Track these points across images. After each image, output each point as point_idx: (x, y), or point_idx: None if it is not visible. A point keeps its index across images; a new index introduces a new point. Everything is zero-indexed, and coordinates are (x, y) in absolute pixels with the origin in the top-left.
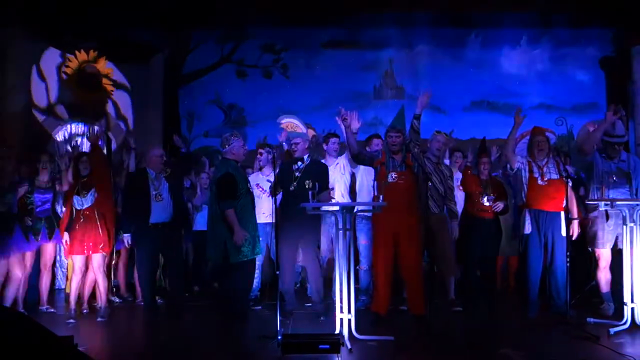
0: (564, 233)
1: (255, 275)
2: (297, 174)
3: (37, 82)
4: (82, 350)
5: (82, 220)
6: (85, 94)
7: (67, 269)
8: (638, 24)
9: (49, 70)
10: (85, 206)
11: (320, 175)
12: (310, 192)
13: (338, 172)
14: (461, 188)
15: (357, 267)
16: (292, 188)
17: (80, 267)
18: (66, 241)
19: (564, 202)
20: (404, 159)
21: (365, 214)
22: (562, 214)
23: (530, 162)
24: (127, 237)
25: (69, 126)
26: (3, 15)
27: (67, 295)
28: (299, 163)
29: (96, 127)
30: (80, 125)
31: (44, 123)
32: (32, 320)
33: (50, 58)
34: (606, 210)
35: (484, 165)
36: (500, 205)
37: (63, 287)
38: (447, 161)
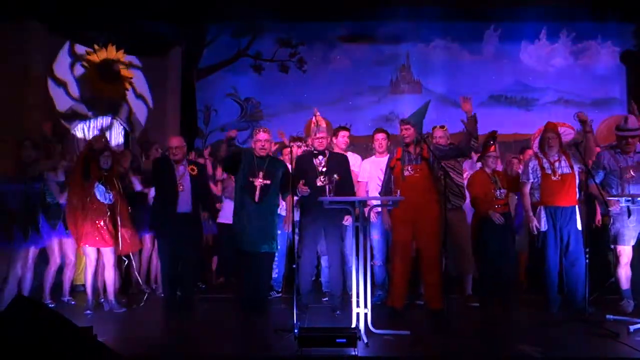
0: (579, 227)
1: (275, 267)
2: (321, 168)
3: (54, 87)
4: (102, 340)
5: (107, 214)
6: (103, 86)
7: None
8: None
9: (66, 68)
10: (108, 202)
11: (344, 166)
12: (327, 187)
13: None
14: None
15: (372, 263)
16: (319, 183)
17: (94, 258)
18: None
19: (577, 194)
20: (420, 152)
21: (378, 209)
22: (577, 207)
23: (541, 158)
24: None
25: (89, 122)
26: (21, 10)
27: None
28: (320, 157)
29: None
30: (98, 119)
31: (65, 113)
32: (54, 311)
33: (67, 54)
34: (628, 207)
35: (491, 159)
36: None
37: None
38: None
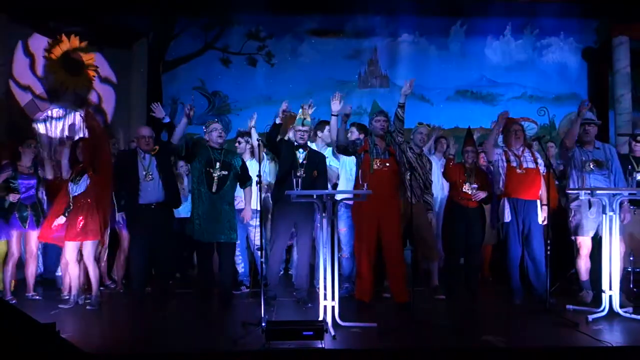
0: (540, 220)
1: (240, 262)
2: (302, 160)
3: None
4: (65, 337)
5: (74, 207)
6: (67, 78)
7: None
8: (620, 15)
9: (26, 70)
10: (78, 192)
11: (322, 165)
12: (294, 180)
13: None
14: (444, 177)
15: (339, 255)
16: (299, 174)
17: (74, 253)
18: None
19: (540, 189)
20: (387, 146)
21: (346, 202)
22: (538, 201)
23: (507, 151)
24: (120, 216)
25: (49, 111)
26: None
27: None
28: (301, 150)
29: (82, 112)
30: (60, 110)
31: (26, 107)
32: (12, 306)
33: (34, 43)
34: (589, 199)
35: (469, 154)
36: (480, 195)
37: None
38: (427, 150)
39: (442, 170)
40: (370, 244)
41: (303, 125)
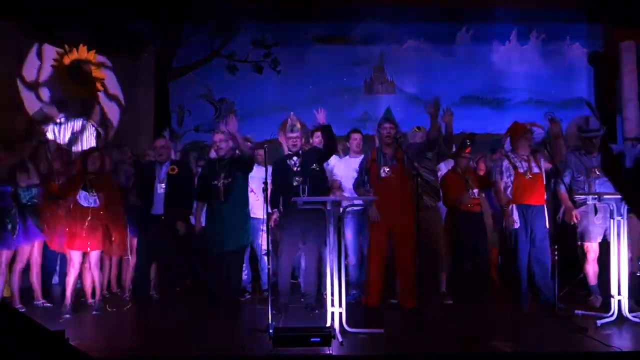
0: (547, 225)
1: (244, 269)
2: (295, 168)
3: (24, 91)
4: (74, 344)
5: (89, 218)
6: (74, 88)
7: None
8: (626, 19)
9: (35, 72)
10: (93, 205)
11: (318, 156)
12: (301, 187)
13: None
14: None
15: (346, 262)
16: (295, 183)
17: (78, 262)
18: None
19: (545, 194)
20: (394, 152)
21: (353, 208)
22: (545, 206)
23: (512, 157)
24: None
25: (57, 119)
26: None
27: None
28: (295, 158)
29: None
30: (79, 121)
31: (34, 115)
32: (22, 314)
33: (45, 51)
34: (595, 205)
35: (464, 160)
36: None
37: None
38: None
39: (439, 181)
40: (381, 250)
41: (292, 131)
